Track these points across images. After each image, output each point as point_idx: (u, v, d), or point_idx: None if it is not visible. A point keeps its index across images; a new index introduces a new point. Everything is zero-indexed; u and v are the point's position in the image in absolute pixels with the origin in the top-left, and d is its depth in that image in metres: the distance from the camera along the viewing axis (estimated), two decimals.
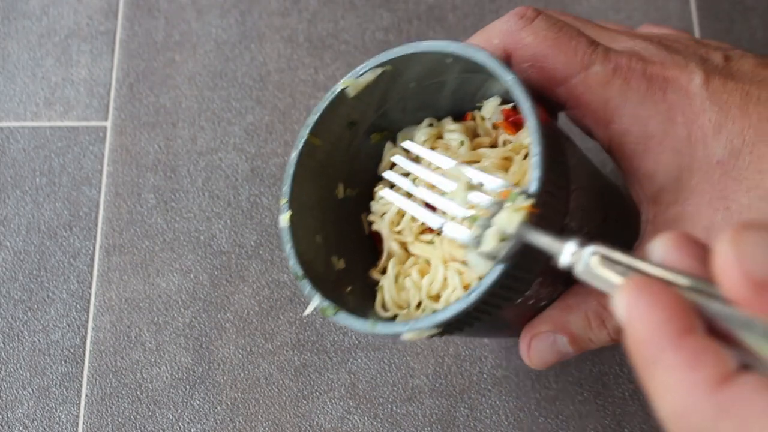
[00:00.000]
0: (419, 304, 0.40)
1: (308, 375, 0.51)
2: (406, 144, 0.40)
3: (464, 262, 0.39)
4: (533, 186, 0.34)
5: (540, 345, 0.40)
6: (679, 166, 0.38)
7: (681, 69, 0.38)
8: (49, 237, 0.54)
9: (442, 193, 0.39)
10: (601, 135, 0.39)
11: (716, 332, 0.25)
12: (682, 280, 0.25)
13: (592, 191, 0.40)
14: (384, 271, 0.42)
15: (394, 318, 0.41)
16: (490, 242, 0.34)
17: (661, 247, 0.26)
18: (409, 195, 0.41)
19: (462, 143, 0.41)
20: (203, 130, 0.57)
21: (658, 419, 0.25)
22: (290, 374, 0.51)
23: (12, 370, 0.52)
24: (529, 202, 0.33)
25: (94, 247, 0.54)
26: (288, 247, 0.38)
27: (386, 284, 0.41)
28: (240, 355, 0.51)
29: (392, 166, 0.42)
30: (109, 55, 0.59)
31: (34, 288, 0.53)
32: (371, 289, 0.42)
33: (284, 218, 0.39)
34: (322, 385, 0.51)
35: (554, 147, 0.36)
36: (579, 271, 0.29)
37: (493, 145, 0.42)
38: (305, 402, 0.50)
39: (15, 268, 0.54)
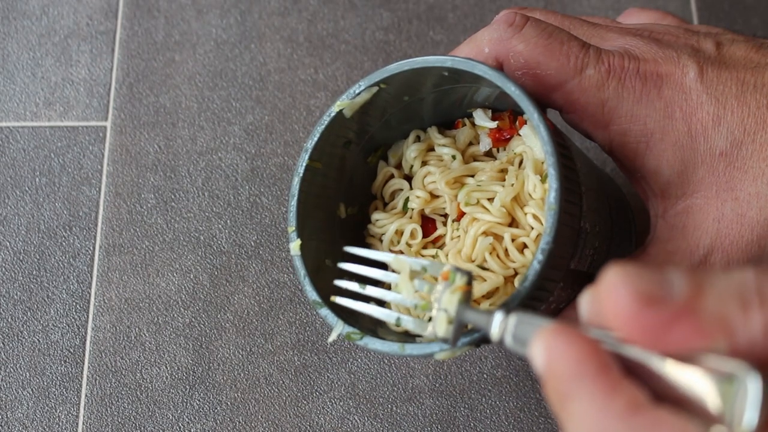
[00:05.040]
0: (430, 319, 0.40)
1: (308, 375, 0.51)
2: (349, 249, 0.40)
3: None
4: (552, 197, 0.34)
5: None
6: (682, 160, 0.38)
7: (674, 64, 0.37)
8: (49, 237, 0.54)
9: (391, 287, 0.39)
10: (601, 137, 0.39)
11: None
12: (596, 334, 0.27)
13: (598, 189, 0.40)
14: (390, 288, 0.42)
15: (406, 333, 0.41)
16: (440, 326, 0.34)
17: (583, 303, 0.27)
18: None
19: (454, 157, 0.41)
20: (203, 130, 0.57)
21: None
22: (290, 374, 0.51)
23: (12, 370, 0.52)
24: (463, 280, 0.34)
25: (93, 247, 0.54)
26: (302, 275, 0.38)
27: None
28: (240, 355, 0.51)
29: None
30: (109, 55, 0.59)
31: (34, 288, 0.53)
32: (382, 305, 0.42)
33: (294, 246, 0.39)
34: (322, 385, 0.51)
35: (565, 155, 0.36)
36: (508, 342, 0.30)
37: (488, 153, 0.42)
38: (305, 402, 0.50)
39: (15, 268, 0.54)
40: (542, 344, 0.27)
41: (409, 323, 0.36)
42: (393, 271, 0.38)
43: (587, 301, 0.27)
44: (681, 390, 0.25)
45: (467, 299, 0.34)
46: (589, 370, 0.25)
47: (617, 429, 0.24)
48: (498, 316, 0.31)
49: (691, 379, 0.24)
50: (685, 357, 0.25)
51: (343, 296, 0.38)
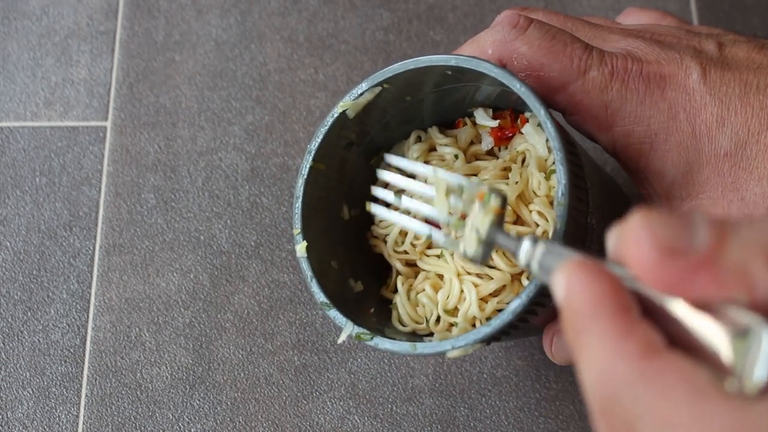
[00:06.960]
0: (438, 318, 0.40)
1: (308, 375, 0.51)
2: (389, 158, 0.40)
3: (478, 275, 0.39)
4: (561, 192, 0.34)
5: (562, 342, 0.40)
6: (687, 161, 0.38)
7: (677, 65, 0.38)
8: (49, 237, 0.54)
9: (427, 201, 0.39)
10: (605, 139, 0.39)
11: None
12: (620, 271, 0.26)
13: (601, 187, 0.40)
14: (395, 290, 0.42)
15: (413, 333, 0.41)
16: (470, 245, 0.34)
17: (611, 238, 0.27)
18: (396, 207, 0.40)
19: (456, 157, 0.41)
20: (203, 130, 0.57)
21: (582, 391, 0.26)
22: (290, 374, 0.51)
23: (12, 370, 0.52)
24: (498, 202, 0.33)
25: (94, 247, 0.54)
26: (309, 277, 0.38)
27: (399, 301, 0.41)
28: (240, 355, 0.51)
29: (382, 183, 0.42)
30: (109, 55, 0.59)
31: (34, 288, 0.53)
32: (388, 306, 0.42)
33: (300, 248, 0.39)
34: (322, 385, 0.51)
35: (572, 151, 0.36)
36: (534, 269, 0.30)
37: (490, 152, 0.42)
38: (305, 402, 0.50)
39: (15, 268, 0.54)
40: (564, 277, 0.26)
41: (440, 239, 0.36)
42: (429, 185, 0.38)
43: (613, 239, 0.26)
44: (695, 337, 0.24)
45: (500, 222, 0.33)
46: (606, 309, 0.25)
47: (625, 372, 0.24)
48: (526, 243, 0.31)
49: (707, 328, 0.24)
50: (704, 306, 0.24)
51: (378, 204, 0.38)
